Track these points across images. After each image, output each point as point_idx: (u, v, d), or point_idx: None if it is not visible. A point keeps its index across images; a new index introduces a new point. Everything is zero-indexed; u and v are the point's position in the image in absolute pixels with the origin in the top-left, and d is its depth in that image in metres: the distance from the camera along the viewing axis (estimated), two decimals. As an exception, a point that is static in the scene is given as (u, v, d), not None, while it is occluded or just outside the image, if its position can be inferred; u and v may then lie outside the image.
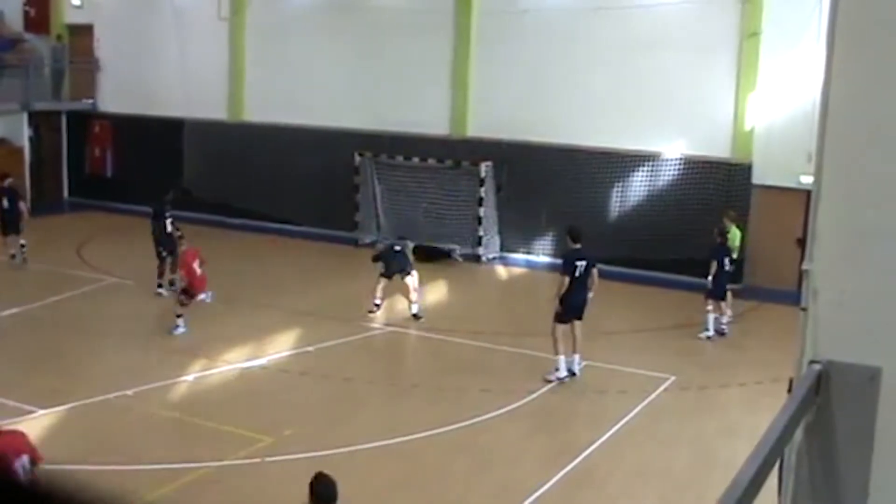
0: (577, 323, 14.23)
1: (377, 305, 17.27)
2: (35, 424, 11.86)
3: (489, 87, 22.90)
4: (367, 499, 10.42)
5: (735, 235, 17.79)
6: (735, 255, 17.49)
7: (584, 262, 14.07)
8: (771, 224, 19.92)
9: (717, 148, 20.64)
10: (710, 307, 16.73)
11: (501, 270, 22.44)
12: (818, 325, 2.95)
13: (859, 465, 2.76)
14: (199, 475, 10.73)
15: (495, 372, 14.76)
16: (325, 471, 7.51)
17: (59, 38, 28.63)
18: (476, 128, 23.19)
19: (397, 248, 17.66)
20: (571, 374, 14.23)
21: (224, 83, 26.29)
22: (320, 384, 13.98)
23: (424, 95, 23.53)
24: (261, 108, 25.81)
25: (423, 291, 18.02)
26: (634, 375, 14.67)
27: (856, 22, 2.85)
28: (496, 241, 22.98)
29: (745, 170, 20.38)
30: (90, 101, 28.65)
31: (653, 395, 13.84)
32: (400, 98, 23.73)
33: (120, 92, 27.89)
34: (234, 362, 14.72)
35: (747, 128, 20.39)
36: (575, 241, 14.32)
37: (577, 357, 14.32)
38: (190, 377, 13.98)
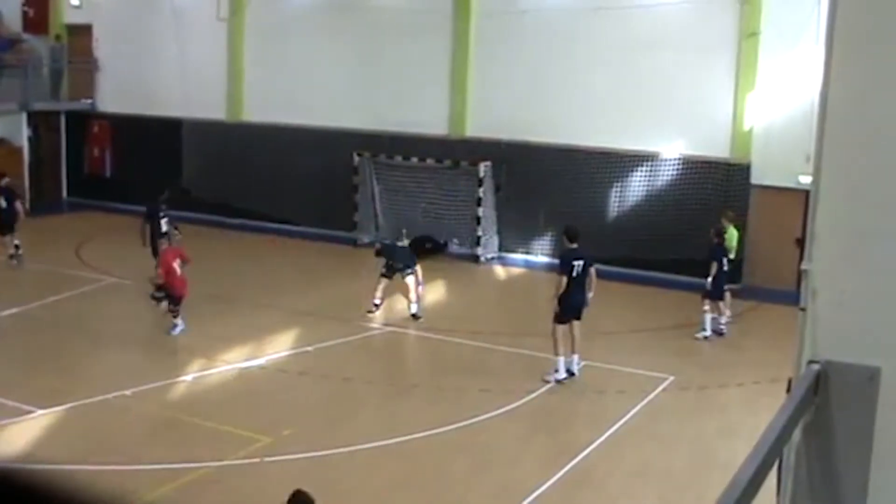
0: (575, 323, 14.22)
1: (376, 306, 17.26)
2: (34, 424, 11.89)
3: (488, 87, 22.89)
4: (367, 499, 10.44)
5: (732, 236, 17.78)
6: (732, 256, 17.50)
7: (581, 262, 14.06)
8: (770, 224, 19.93)
9: (716, 148, 20.64)
10: (707, 307, 16.74)
11: (500, 270, 22.44)
12: (817, 325, 2.96)
13: (858, 465, 2.77)
14: (198, 475, 10.73)
15: (494, 372, 14.76)
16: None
17: (57, 38, 28.61)
18: (475, 128, 23.19)
19: (400, 243, 17.70)
20: (570, 374, 14.22)
21: (223, 83, 26.27)
22: (319, 384, 13.98)
23: (423, 95, 23.53)
24: (260, 108, 25.81)
25: (424, 291, 17.99)
26: (633, 375, 14.67)
27: (854, 23, 2.85)
28: (495, 240, 22.98)
29: (743, 170, 20.39)
30: (89, 101, 28.64)
31: (652, 395, 13.85)
32: (399, 98, 23.73)
33: (119, 92, 27.87)
34: (233, 362, 14.71)
35: (746, 128, 20.40)
36: (571, 241, 14.30)
37: (575, 357, 14.32)
38: (189, 377, 13.98)
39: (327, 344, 15.59)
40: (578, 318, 14.23)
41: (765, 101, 20.09)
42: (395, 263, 17.22)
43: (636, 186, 21.43)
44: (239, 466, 10.98)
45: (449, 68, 23.39)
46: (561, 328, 14.08)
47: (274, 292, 18.80)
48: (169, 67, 26.79)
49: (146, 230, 18.56)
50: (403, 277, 17.21)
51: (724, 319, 17.05)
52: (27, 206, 21.59)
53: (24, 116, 27.30)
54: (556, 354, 14.08)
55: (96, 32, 28.29)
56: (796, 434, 2.85)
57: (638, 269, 20.77)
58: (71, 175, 28.96)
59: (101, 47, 28.33)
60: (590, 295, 14.26)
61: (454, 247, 22.52)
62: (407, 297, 17.36)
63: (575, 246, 14.25)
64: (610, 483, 11.06)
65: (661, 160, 21.18)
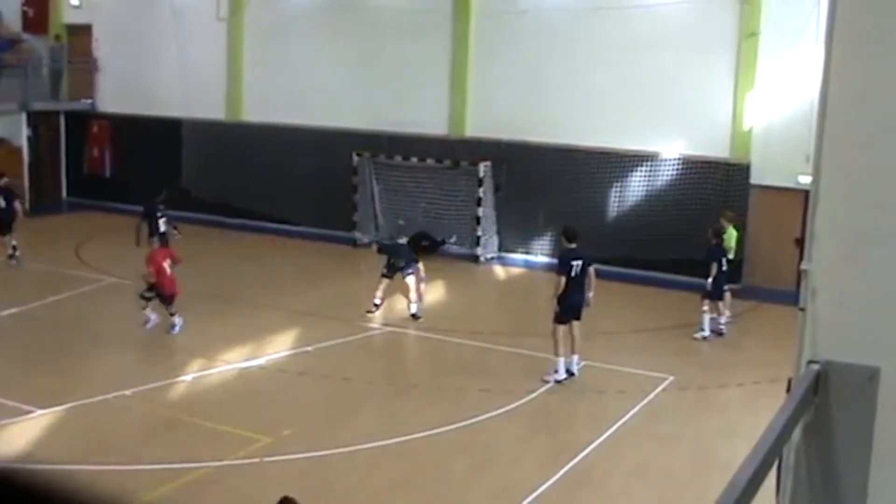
0: (575, 323, 14.22)
1: (376, 306, 17.26)
2: (34, 424, 11.89)
3: (488, 87, 22.89)
4: (367, 499, 10.44)
5: (731, 236, 17.77)
6: (731, 256, 17.49)
7: (579, 262, 14.05)
8: (769, 224, 19.93)
9: (716, 148, 20.64)
10: (706, 308, 16.74)
11: (500, 270, 22.44)
12: (817, 325, 2.96)
13: (858, 465, 2.77)
14: (198, 475, 10.73)
15: (494, 372, 14.76)
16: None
17: (57, 38, 28.61)
18: (475, 128, 23.19)
19: (401, 240, 17.72)
20: (570, 374, 14.23)
21: (223, 83, 26.27)
22: (319, 384, 13.98)
23: (423, 95, 23.53)
24: (260, 108, 25.81)
25: (426, 288, 17.97)
26: (633, 375, 14.67)
27: (854, 23, 2.85)
28: (494, 240, 22.98)
29: (743, 170, 20.39)
30: (89, 101, 28.64)
31: (651, 395, 13.85)
32: (399, 98, 23.73)
33: (118, 92, 27.87)
34: (232, 362, 14.71)
35: (746, 128, 20.40)
36: (570, 241, 14.30)
37: (575, 357, 14.32)
38: (189, 377, 13.98)
39: (327, 344, 15.59)
40: (578, 319, 14.23)
41: (764, 101, 20.09)
42: (396, 262, 17.22)
43: (636, 186, 21.43)
44: (239, 466, 10.98)
45: (449, 68, 23.39)
46: (561, 328, 14.08)
47: (274, 292, 18.80)
48: (169, 67, 26.79)
49: (141, 230, 18.56)
50: (404, 277, 17.21)
51: (723, 319, 17.06)
52: (27, 206, 21.55)
53: (23, 116, 27.31)
54: (556, 355, 14.08)
55: (96, 32, 28.29)
56: (796, 434, 2.85)
57: (638, 269, 20.78)
58: (70, 175, 28.96)
59: (101, 47, 28.33)
60: (590, 295, 14.25)
61: (452, 245, 22.51)
62: (407, 297, 17.36)
63: (573, 246, 14.24)
64: (610, 483, 11.06)
65: (661, 160, 21.18)
